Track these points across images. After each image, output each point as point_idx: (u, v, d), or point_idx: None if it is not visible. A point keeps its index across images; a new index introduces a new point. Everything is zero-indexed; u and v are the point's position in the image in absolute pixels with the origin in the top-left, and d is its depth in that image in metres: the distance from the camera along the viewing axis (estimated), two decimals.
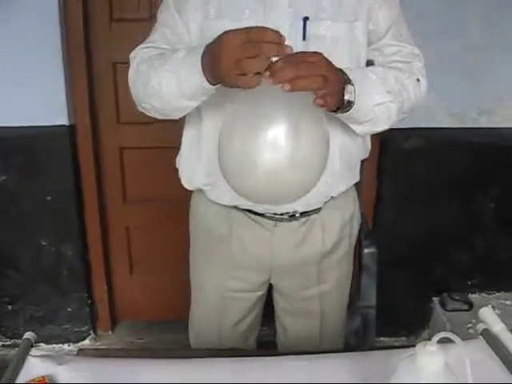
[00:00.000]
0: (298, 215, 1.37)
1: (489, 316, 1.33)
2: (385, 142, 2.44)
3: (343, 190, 1.40)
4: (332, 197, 1.38)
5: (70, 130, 2.43)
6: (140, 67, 1.26)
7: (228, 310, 1.51)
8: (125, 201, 2.64)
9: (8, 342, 2.74)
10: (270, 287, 1.55)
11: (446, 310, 2.70)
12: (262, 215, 1.36)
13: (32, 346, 1.22)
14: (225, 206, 1.38)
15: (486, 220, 2.65)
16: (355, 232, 1.53)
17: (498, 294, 2.79)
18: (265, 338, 1.74)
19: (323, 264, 1.45)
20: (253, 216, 1.37)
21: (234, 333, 1.54)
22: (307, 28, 1.21)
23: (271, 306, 1.61)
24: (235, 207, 1.38)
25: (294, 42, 1.13)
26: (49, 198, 2.49)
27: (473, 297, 2.75)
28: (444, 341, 0.86)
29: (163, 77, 1.18)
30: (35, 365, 1.14)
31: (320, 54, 1.04)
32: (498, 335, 1.26)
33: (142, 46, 1.33)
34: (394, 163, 2.49)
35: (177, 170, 1.47)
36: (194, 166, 1.39)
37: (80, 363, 1.15)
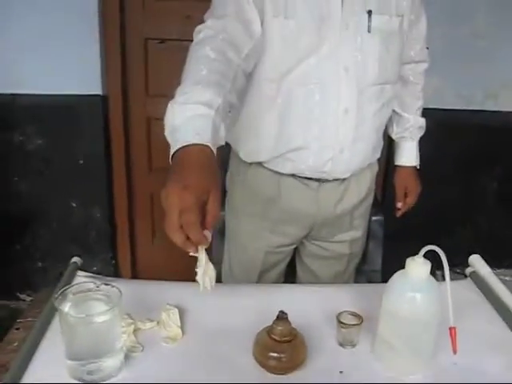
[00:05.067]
0: (341, 178, 1.56)
1: (477, 261, 1.50)
2: None
3: (379, 155, 1.66)
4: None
5: (103, 99, 2.63)
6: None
7: (266, 262, 1.69)
8: (150, 169, 2.83)
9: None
10: None
11: None
12: (309, 178, 1.54)
13: (78, 269, 1.41)
14: (278, 172, 1.55)
15: (490, 199, 2.81)
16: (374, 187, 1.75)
17: (498, 270, 2.92)
18: None
19: (355, 213, 1.67)
20: (300, 179, 1.55)
21: (268, 281, 1.73)
22: (372, 21, 1.39)
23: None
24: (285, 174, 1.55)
25: (360, 35, 1.39)
26: (81, 161, 2.68)
27: None
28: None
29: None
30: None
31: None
32: (485, 277, 1.44)
33: (201, 32, 1.30)
34: None
35: None
36: (259, 141, 1.51)
37: (123, 283, 1.33)
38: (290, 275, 1.86)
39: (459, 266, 2.83)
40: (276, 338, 1.07)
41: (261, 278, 1.71)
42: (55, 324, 1.17)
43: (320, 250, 1.72)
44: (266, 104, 1.46)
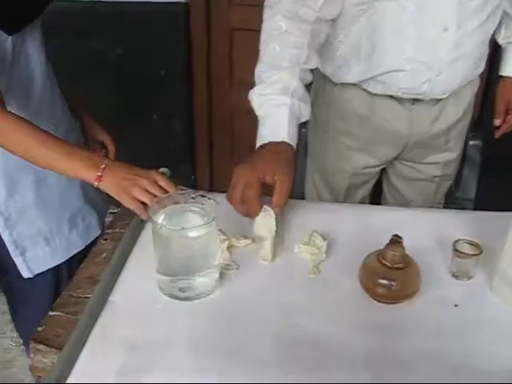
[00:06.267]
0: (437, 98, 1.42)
1: None
2: None
3: (482, 70, 1.47)
4: None
5: (185, 7, 2.50)
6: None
7: (352, 183, 1.59)
8: (232, 82, 2.70)
9: (115, 210, 2.92)
10: None
11: None
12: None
13: None
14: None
15: None
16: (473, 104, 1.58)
17: None
18: None
19: (452, 133, 1.52)
20: (394, 97, 1.42)
21: (351, 200, 1.63)
22: None
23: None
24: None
25: None
26: (162, 73, 2.59)
27: None
28: None
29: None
30: None
31: None
32: None
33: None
34: None
35: None
36: (347, 63, 1.40)
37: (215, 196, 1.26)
38: (375, 196, 1.74)
39: None
40: (387, 263, 0.96)
41: (346, 198, 1.62)
42: (145, 235, 1.11)
43: (411, 171, 1.60)
44: (353, 24, 1.33)
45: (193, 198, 0.99)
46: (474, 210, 2.44)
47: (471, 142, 2.13)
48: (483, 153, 2.37)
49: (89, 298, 0.96)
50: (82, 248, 1.35)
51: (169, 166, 2.71)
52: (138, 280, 1.00)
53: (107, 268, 1.01)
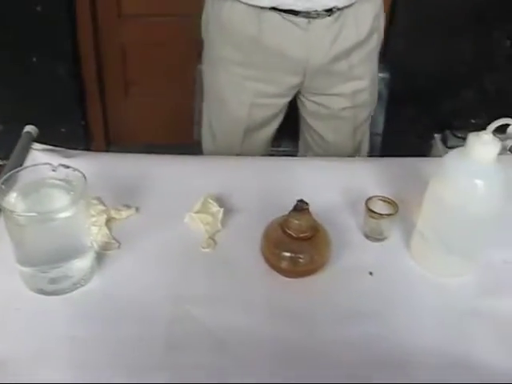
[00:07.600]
0: (334, 10, 1.29)
1: None
2: None
3: None
4: None
5: None
6: None
7: (252, 118, 1.45)
8: (120, 15, 2.44)
9: (0, 163, 2.66)
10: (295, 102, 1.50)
11: (447, 147, 2.65)
12: (295, 13, 1.28)
13: (34, 141, 1.15)
14: (257, 6, 1.28)
15: (500, 58, 2.50)
16: (382, 28, 1.46)
17: (500, 135, 2.70)
18: None
19: (354, 59, 1.39)
20: (285, 15, 1.29)
21: (254, 143, 1.50)
22: None
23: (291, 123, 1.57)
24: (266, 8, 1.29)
25: None
26: (38, 8, 2.29)
27: None
28: None
29: None
30: (39, 157, 1.07)
31: None
32: None
33: None
34: None
35: None
36: None
37: (90, 157, 1.08)
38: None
39: (460, 130, 2.63)
40: (292, 233, 0.83)
41: (246, 141, 1.49)
42: None
43: (319, 108, 1.48)
44: None
45: (53, 171, 0.80)
46: (383, 143, 2.39)
47: (379, 75, 2.03)
48: (390, 86, 2.29)
49: None
50: None
51: (57, 112, 2.50)
52: None
53: None
